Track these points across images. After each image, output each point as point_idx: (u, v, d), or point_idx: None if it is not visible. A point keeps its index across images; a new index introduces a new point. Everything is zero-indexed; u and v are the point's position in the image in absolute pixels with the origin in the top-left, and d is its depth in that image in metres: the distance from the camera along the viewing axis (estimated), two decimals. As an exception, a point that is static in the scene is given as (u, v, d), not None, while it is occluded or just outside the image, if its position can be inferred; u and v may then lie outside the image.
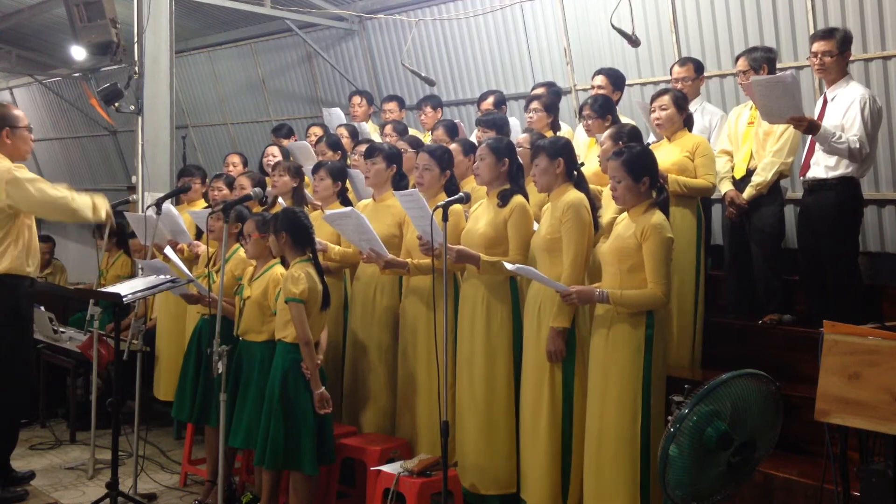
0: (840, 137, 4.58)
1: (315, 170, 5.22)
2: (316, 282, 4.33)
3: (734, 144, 5.29)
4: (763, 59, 5.10)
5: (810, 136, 4.70)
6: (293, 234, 4.37)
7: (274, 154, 6.48)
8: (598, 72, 5.80)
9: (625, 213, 3.95)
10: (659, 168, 4.16)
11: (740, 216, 5.14)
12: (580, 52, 7.18)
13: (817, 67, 4.77)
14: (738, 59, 5.22)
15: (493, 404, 4.35)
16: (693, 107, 5.42)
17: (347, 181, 5.37)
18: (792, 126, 4.70)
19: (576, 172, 4.22)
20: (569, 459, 4.09)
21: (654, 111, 5.00)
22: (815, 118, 4.75)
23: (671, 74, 5.65)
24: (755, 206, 5.08)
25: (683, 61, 5.67)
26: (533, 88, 6.34)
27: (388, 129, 6.34)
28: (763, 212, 5.07)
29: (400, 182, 5.00)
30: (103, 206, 5.12)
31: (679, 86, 5.46)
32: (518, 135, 5.34)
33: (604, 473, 3.82)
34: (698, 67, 5.58)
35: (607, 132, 4.59)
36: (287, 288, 4.25)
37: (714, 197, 5.54)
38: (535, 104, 5.61)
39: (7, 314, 4.95)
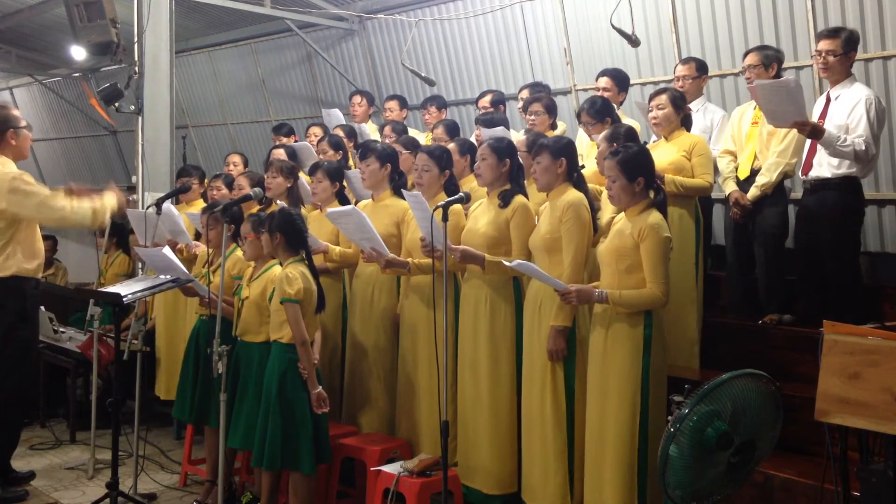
0: (845, 140, 4.56)
1: (312, 171, 5.21)
2: (310, 281, 4.33)
3: (738, 145, 5.26)
4: (774, 58, 5.09)
5: (811, 137, 4.70)
6: (287, 235, 4.37)
7: (277, 156, 6.45)
8: (603, 73, 5.78)
9: (622, 213, 3.95)
10: (656, 168, 4.16)
11: (745, 217, 5.13)
12: (580, 52, 7.18)
13: (821, 66, 4.75)
14: (747, 54, 5.18)
15: (497, 404, 4.35)
16: (695, 106, 5.42)
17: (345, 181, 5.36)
18: (796, 130, 4.69)
19: (576, 174, 4.22)
20: (572, 459, 4.09)
21: (651, 110, 5.00)
22: (817, 117, 4.75)
23: (674, 73, 5.65)
24: (759, 207, 5.06)
25: (686, 60, 5.67)
26: (521, 90, 6.32)
27: (388, 130, 6.34)
28: (767, 212, 5.06)
29: (398, 181, 5.00)
30: (106, 209, 5.11)
31: (680, 84, 5.46)
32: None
33: (603, 473, 3.82)
34: (700, 67, 5.58)
35: (603, 134, 4.60)
36: (282, 289, 4.25)
37: (716, 197, 5.53)
38: (536, 106, 5.58)
39: (15, 316, 4.98)
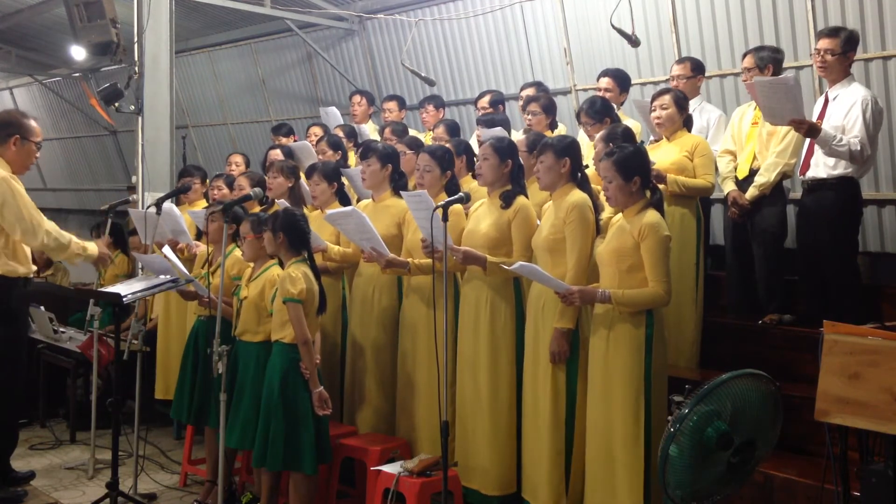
0: (841, 140, 4.56)
1: (309, 175, 5.20)
2: (313, 282, 4.33)
3: (737, 144, 5.27)
4: (770, 59, 5.09)
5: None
6: (290, 235, 4.36)
7: (275, 157, 6.45)
8: (604, 73, 5.77)
9: (620, 214, 3.95)
10: (658, 168, 4.16)
11: (743, 216, 5.14)
12: (580, 52, 7.18)
13: (819, 65, 4.75)
14: (744, 56, 5.20)
15: (496, 405, 4.34)
16: (692, 106, 5.42)
17: (344, 179, 5.35)
18: (793, 129, 4.69)
19: (580, 174, 4.21)
20: (570, 460, 4.09)
21: (654, 110, 5.00)
22: (816, 117, 4.75)
23: (670, 73, 5.66)
24: (758, 207, 5.07)
25: (682, 60, 5.70)
26: (522, 89, 6.33)
27: (388, 131, 6.33)
28: (766, 212, 5.06)
29: (399, 181, 4.99)
30: (87, 250, 5.11)
31: (675, 83, 5.47)
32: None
33: (609, 474, 3.81)
34: (696, 66, 5.58)
35: (599, 134, 4.59)
36: (285, 288, 4.25)
37: (715, 197, 5.53)
38: (533, 106, 5.58)
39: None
